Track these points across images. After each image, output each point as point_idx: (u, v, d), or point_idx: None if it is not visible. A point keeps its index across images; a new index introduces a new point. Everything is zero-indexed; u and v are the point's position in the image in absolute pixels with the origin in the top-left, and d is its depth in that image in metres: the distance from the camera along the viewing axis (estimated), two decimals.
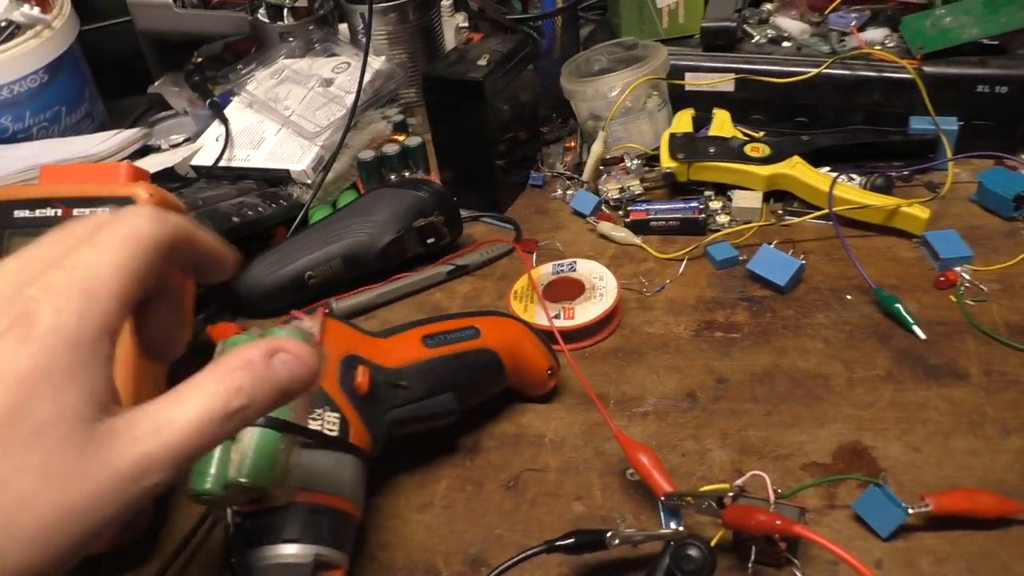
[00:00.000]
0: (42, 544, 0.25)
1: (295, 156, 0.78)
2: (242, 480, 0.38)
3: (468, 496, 0.51)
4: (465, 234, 0.76)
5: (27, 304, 0.26)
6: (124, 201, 0.51)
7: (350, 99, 0.81)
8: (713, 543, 0.43)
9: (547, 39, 0.85)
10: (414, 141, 0.79)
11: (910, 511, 0.45)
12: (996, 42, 0.75)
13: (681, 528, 0.45)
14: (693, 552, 0.40)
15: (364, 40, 0.87)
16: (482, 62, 0.72)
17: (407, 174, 0.79)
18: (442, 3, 1.00)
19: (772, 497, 0.44)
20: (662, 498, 0.46)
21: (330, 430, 0.45)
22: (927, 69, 0.75)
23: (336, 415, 0.46)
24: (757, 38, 0.83)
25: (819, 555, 0.45)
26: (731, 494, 0.44)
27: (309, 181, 0.77)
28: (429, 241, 0.71)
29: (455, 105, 0.73)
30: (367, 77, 0.83)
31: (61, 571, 0.26)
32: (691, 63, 0.82)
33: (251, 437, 0.38)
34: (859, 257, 0.66)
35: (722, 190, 0.75)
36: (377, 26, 0.87)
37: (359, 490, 0.46)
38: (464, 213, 0.77)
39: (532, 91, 0.81)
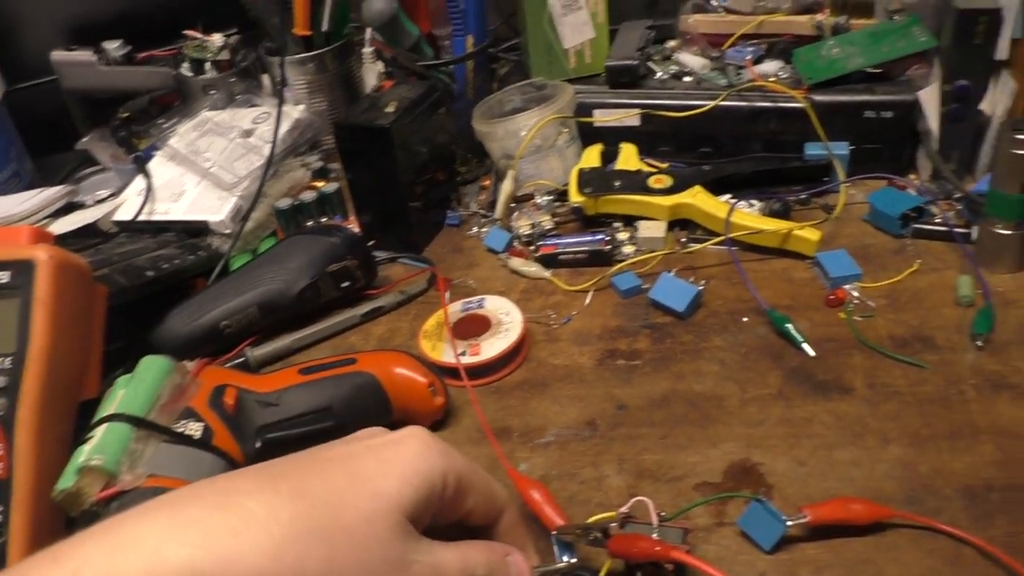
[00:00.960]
0: (320, 566, 0.31)
1: (214, 207, 0.80)
2: (92, 463, 0.45)
3: None
4: (382, 276, 0.78)
5: (407, 434, 0.37)
6: (23, 264, 0.52)
7: (269, 149, 0.83)
8: (602, 573, 0.45)
9: (459, 83, 0.88)
10: (331, 187, 0.81)
11: (789, 523, 0.47)
12: (880, 70, 0.79)
13: (574, 560, 0.47)
14: None
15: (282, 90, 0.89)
16: (390, 108, 0.74)
17: (324, 220, 0.80)
18: (364, 51, 1.03)
19: (655, 521, 0.46)
20: (554, 532, 0.48)
21: (192, 434, 0.50)
22: (817, 98, 0.79)
23: (200, 424, 0.51)
24: (660, 74, 0.86)
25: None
26: (615, 523, 0.45)
27: (228, 231, 0.79)
28: (344, 285, 0.72)
29: (366, 151, 0.75)
30: (286, 126, 0.85)
31: None
32: (598, 100, 0.86)
33: (103, 428, 0.46)
34: (757, 280, 0.69)
35: (629, 221, 0.78)
36: (296, 75, 0.89)
37: None
38: (381, 255, 0.79)
39: (447, 133, 0.84)
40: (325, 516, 0.31)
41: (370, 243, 0.80)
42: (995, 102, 0.72)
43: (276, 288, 0.70)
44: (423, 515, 0.35)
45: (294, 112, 0.88)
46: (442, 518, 0.37)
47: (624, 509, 0.47)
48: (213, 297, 0.70)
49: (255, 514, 0.30)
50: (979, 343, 0.59)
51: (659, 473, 0.53)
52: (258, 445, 0.53)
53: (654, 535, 0.44)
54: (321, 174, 0.87)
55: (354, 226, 0.81)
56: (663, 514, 0.47)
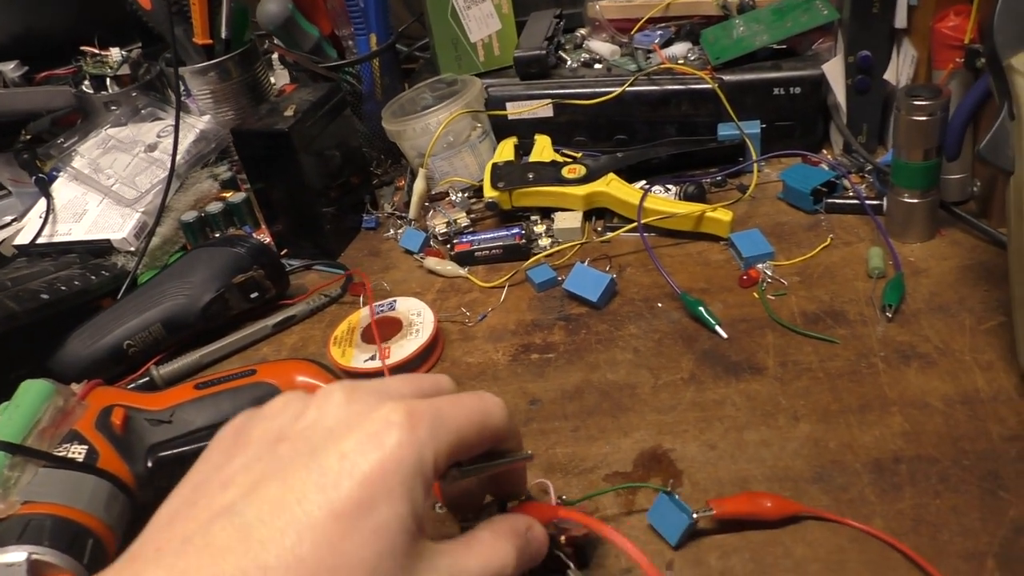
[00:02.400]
0: None
1: (116, 225, 0.77)
2: None
3: None
4: (297, 284, 0.76)
5: (387, 417, 0.32)
6: None
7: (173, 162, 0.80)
8: None
9: (366, 83, 0.86)
10: (237, 197, 0.79)
11: (695, 516, 0.45)
12: (786, 46, 0.79)
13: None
14: None
15: (187, 102, 0.87)
16: (289, 112, 0.72)
17: (231, 231, 0.78)
18: (273, 56, 1.01)
19: (555, 503, 0.44)
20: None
21: (74, 457, 0.48)
22: (726, 77, 0.78)
23: (84, 446, 0.49)
24: (570, 63, 0.85)
25: (612, 563, 0.45)
26: (513, 504, 0.44)
27: (132, 248, 0.76)
28: (253, 296, 0.70)
29: (268, 157, 0.73)
30: (191, 138, 0.83)
31: None
32: (509, 93, 0.84)
33: None
34: (673, 264, 0.68)
35: (546, 213, 0.77)
36: (199, 85, 0.87)
37: (103, 507, 0.47)
38: (295, 263, 0.77)
39: (358, 135, 0.82)
40: None
41: (282, 252, 0.78)
42: (899, 71, 0.72)
43: (180, 303, 0.68)
44: (424, 510, 0.32)
45: (198, 123, 0.85)
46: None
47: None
48: (115, 317, 0.67)
49: None
50: (888, 314, 0.58)
51: (570, 466, 0.52)
52: (149, 464, 0.51)
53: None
54: (231, 184, 0.85)
55: (265, 236, 0.79)
56: (564, 498, 0.45)
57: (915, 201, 0.64)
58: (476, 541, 0.35)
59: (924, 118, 0.60)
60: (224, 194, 0.82)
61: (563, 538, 0.43)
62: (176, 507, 0.32)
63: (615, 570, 0.45)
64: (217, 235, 0.78)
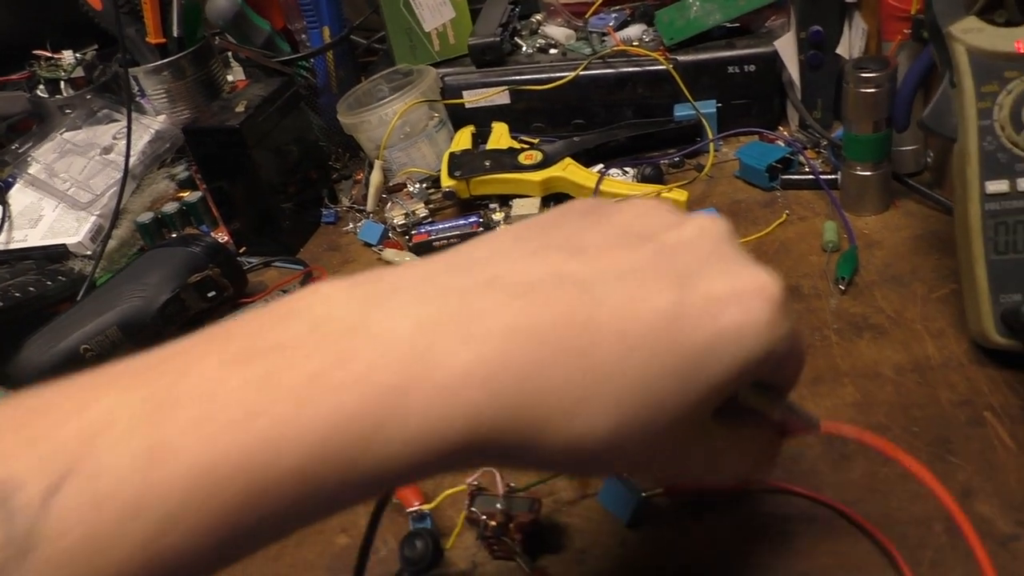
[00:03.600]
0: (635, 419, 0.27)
1: (71, 229, 0.77)
2: None
3: None
4: (256, 281, 0.75)
5: (767, 287, 0.28)
6: None
7: (130, 163, 0.79)
8: (451, 539, 0.45)
9: (321, 76, 0.85)
10: (194, 197, 0.79)
11: (643, 495, 0.45)
12: (739, 24, 0.79)
13: None
14: (418, 543, 0.43)
15: (142, 103, 0.86)
16: (240, 108, 0.72)
17: (187, 231, 0.78)
18: (229, 53, 1.00)
19: (502, 491, 0.44)
20: (409, 510, 0.46)
21: None
22: (680, 58, 0.78)
23: None
24: (525, 48, 0.85)
25: (568, 544, 0.45)
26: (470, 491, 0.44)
27: (89, 252, 0.76)
28: (211, 295, 0.69)
29: (221, 155, 0.72)
30: (146, 138, 0.82)
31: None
32: (466, 81, 0.84)
33: None
34: None
35: (505, 201, 0.77)
36: (154, 85, 0.86)
37: None
38: (254, 261, 0.77)
39: (313, 129, 0.82)
40: (645, 418, 0.27)
41: (241, 250, 0.77)
42: (850, 45, 0.72)
43: (136, 305, 0.67)
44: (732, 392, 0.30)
45: (154, 123, 0.84)
46: None
47: (472, 480, 0.45)
48: (70, 322, 0.67)
49: (572, 391, 0.26)
50: (842, 287, 0.59)
51: None
52: None
53: (498, 505, 0.43)
54: (189, 184, 0.84)
55: (223, 235, 0.78)
56: (512, 484, 0.45)
57: (868, 174, 0.64)
58: (743, 445, 0.33)
59: (872, 90, 0.60)
60: (181, 194, 0.82)
61: (512, 525, 0.43)
62: (515, 244, 0.29)
63: (569, 552, 0.45)
64: (174, 235, 0.78)
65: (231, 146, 0.71)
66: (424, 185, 0.79)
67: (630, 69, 0.80)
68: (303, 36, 0.86)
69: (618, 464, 0.29)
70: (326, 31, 0.82)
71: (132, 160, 0.79)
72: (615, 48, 0.80)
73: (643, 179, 0.74)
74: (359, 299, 0.26)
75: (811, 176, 0.70)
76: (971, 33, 0.48)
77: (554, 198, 0.76)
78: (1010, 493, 0.42)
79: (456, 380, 0.25)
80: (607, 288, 0.27)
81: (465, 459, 0.26)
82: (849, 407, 0.50)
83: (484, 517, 0.43)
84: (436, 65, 0.86)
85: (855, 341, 0.54)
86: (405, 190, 0.80)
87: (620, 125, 0.80)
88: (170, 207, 0.78)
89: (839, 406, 0.50)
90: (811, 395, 0.51)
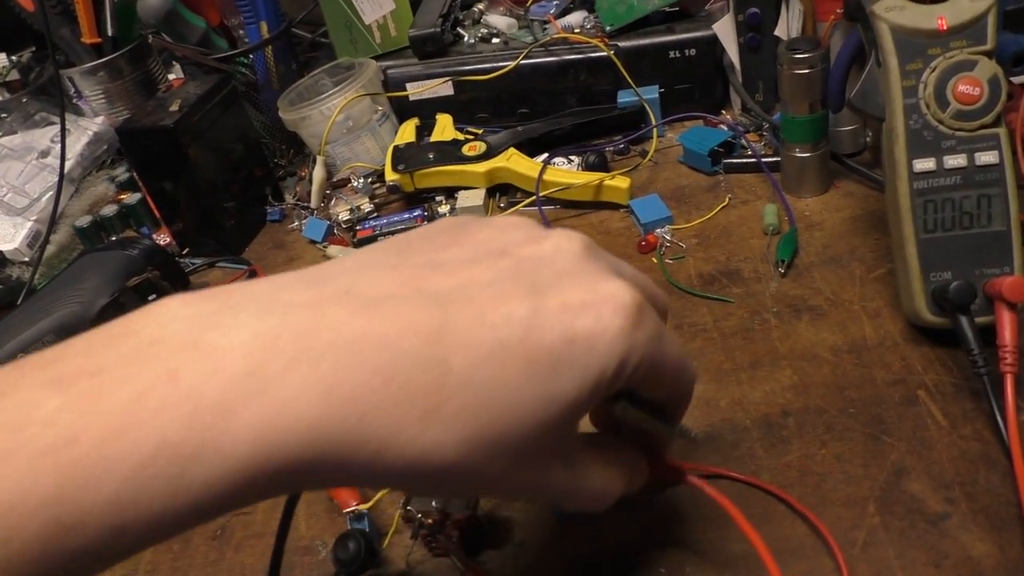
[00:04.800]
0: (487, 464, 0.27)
1: (7, 236, 0.75)
2: None
3: (174, 555, 0.50)
4: (200, 283, 0.74)
5: (619, 295, 0.29)
6: None
7: (67, 166, 0.78)
8: (387, 540, 0.45)
9: (260, 72, 0.84)
10: (133, 198, 0.77)
11: None
12: (678, 8, 0.78)
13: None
14: (351, 544, 0.42)
15: (80, 104, 0.84)
16: (174, 107, 0.70)
17: (128, 233, 0.76)
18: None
19: None
20: (346, 511, 0.46)
21: None
22: (621, 44, 0.78)
23: None
24: (467, 38, 0.84)
25: (506, 538, 0.45)
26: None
27: (27, 258, 0.74)
28: (151, 298, 0.68)
29: (157, 155, 0.71)
30: (84, 140, 0.81)
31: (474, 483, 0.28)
32: (408, 73, 0.83)
33: None
34: None
35: (451, 193, 0.76)
36: (91, 86, 0.84)
37: None
38: (198, 261, 0.76)
39: (254, 127, 0.80)
40: (485, 426, 0.26)
41: (184, 251, 0.76)
42: (788, 27, 0.72)
43: (73, 311, 0.66)
44: (591, 405, 0.29)
45: (92, 125, 0.83)
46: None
47: None
48: (4, 330, 0.65)
49: (420, 401, 0.25)
50: (781, 270, 0.59)
51: None
52: None
53: (433, 503, 0.43)
54: (129, 186, 0.82)
55: (165, 236, 0.77)
56: None
57: (806, 155, 0.64)
58: (606, 455, 0.34)
59: (805, 71, 0.60)
60: (121, 196, 0.80)
61: (448, 522, 0.43)
62: (375, 258, 0.30)
63: (508, 546, 0.45)
64: (113, 239, 0.76)
65: (166, 146, 0.70)
66: (369, 180, 0.79)
67: (572, 56, 0.79)
68: (241, 32, 0.84)
69: (473, 481, 0.28)
70: (263, 26, 0.81)
71: (70, 163, 0.77)
72: (556, 36, 0.79)
73: (587, 167, 0.74)
74: (197, 315, 0.25)
75: (753, 159, 0.70)
76: (894, 11, 0.48)
77: (500, 189, 0.76)
78: (941, 471, 0.43)
79: (289, 396, 0.24)
80: (462, 301, 0.27)
81: (301, 479, 0.25)
82: (787, 390, 0.50)
83: (420, 516, 0.43)
84: (378, 58, 0.85)
85: (794, 324, 0.54)
86: (349, 185, 0.79)
87: (564, 113, 0.80)
88: (109, 210, 0.76)
89: (777, 389, 0.50)
90: (749, 379, 0.51)
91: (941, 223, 0.48)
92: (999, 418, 0.43)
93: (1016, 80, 0.58)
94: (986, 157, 0.47)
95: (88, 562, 0.23)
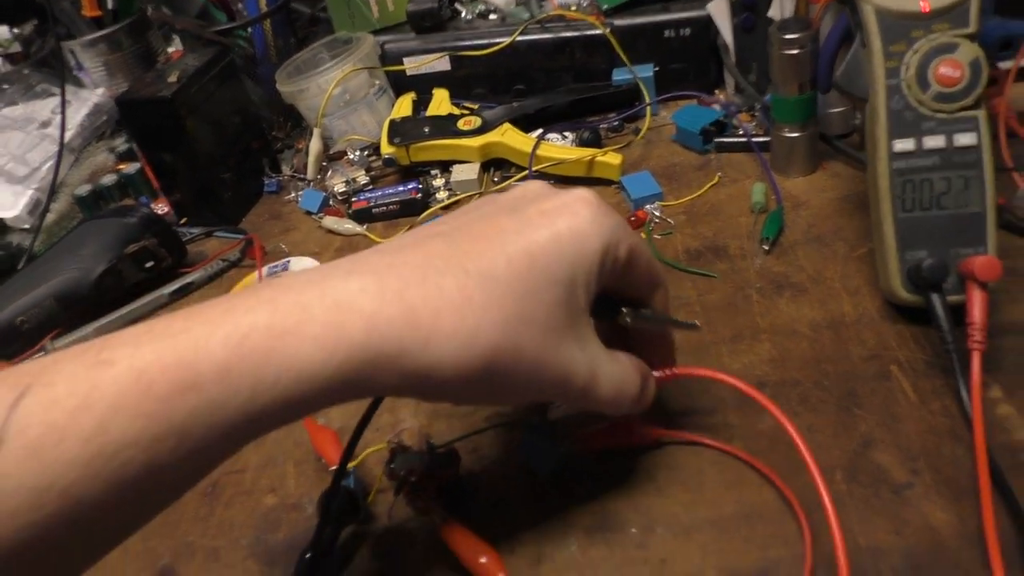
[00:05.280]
0: (510, 357, 0.32)
1: (8, 203, 0.76)
2: None
3: (167, 510, 0.51)
4: (197, 251, 0.75)
5: (584, 196, 0.36)
6: None
7: (67, 136, 0.79)
8: (371, 496, 0.47)
9: (259, 46, 0.85)
10: (132, 168, 0.78)
11: (561, 450, 0.46)
12: None
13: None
14: (337, 493, 0.43)
15: (81, 76, 0.85)
16: (172, 79, 0.71)
17: (125, 202, 0.77)
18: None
19: (425, 446, 0.45)
20: (332, 468, 0.47)
21: None
22: (617, 23, 0.78)
23: None
24: (465, 14, 0.85)
25: (487, 497, 0.46)
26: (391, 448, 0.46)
27: (27, 226, 0.75)
28: (148, 265, 0.70)
29: (156, 126, 0.72)
30: (84, 111, 0.82)
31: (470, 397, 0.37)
32: (406, 48, 0.84)
33: None
34: None
35: (447, 167, 0.77)
36: (91, 58, 0.85)
37: None
38: (195, 231, 0.77)
39: (252, 99, 0.81)
40: (512, 308, 0.32)
41: (182, 221, 0.77)
42: (782, 8, 0.72)
43: (72, 277, 0.67)
44: (592, 293, 0.35)
45: (93, 96, 0.84)
46: (604, 289, 0.37)
47: (393, 438, 0.46)
48: (4, 295, 0.67)
49: (451, 296, 0.31)
50: (766, 247, 0.60)
51: (452, 410, 0.53)
52: None
53: (417, 461, 0.44)
54: (129, 156, 0.84)
55: (164, 206, 0.78)
56: (432, 441, 0.46)
57: (796, 135, 0.65)
58: (617, 354, 0.38)
59: (795, 52, 0.61)
60: (120, 166, 0.81)
61: (431, 480, 0.44)
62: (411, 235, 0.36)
63: (487, 504, 0.46)
64: (112, 207, 0.77)
65: (164, 117, 0.71)
66: (365, 153, 0.80)
67: (568, 34, 0.80)
68: (240, 5, 0.85)
69: (508, 363, 0.32)
70: (262, 0, 0.82)
71: (70, 133, 0.78)
72: (553, 12, 0.80)
73: (581, 143, 0.75)
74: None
75: (744, 139, 0.71)
76: None
77: (494, 163, 0.77)
78: (908, 443, 0.44)
79: (347, 297, 0.30)
80: (467, 232, 0.34)
81: (368, 373, 0.30)
82: (765, 363, 0.51)
83: (403, 473, 0.44)
84: (376, 32, 0.85)
85: (775, 299, 0.56)
86: (346, 158, 0.80)
87: (560, 90, 0.81)
88: (108, 179, 0.78)
89: (755, 362, 0.51)
90: (729, 352, 0.52)
91: (919, 203, 0.49)
92: (964, 393, 0.44)
93: (1003, 65, 0.59)
94: (965, 139, 0.48)
95: (203, 426, 0.29)
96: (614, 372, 0.37)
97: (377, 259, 0.33)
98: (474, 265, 0.32)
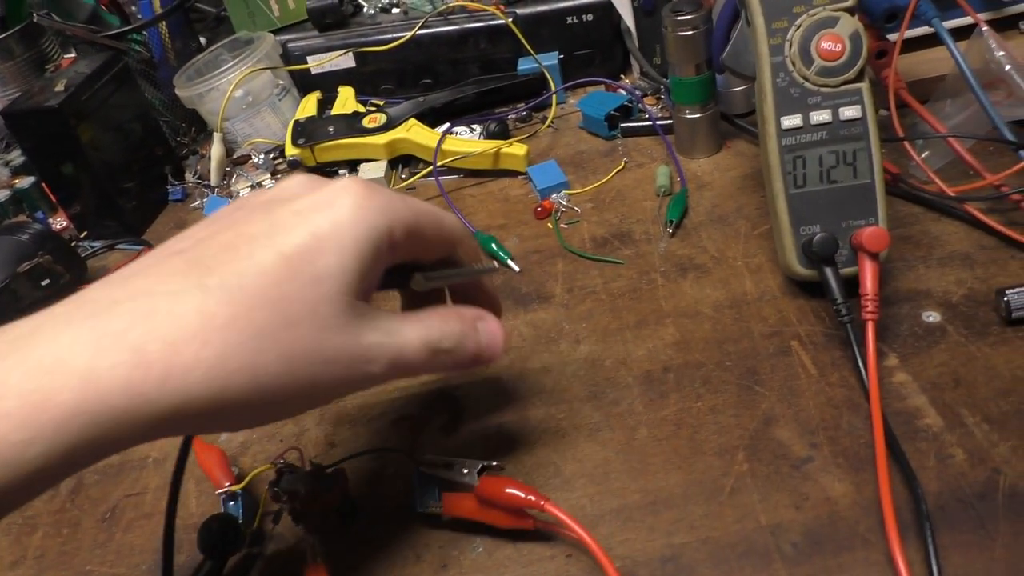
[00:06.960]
0: (277, 367, 0.29)
1: None
2: None
3: (63, 540, 0.49)
4: (99, 265, 0.73)
5: (344, 186, 0.32)
6: None
7: None
8: (256, 521, 0.45)
9: (156, 49, 0.82)
10: (26, 183, 0.75)
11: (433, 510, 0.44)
12: None
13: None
14: (213, 526, 0.42)
15: None
16: (59, 87, 0.69)
17: (19, 219, 0.74)
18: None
19: (308, 466, 0.44)
20: (219, 492, 0.46)
21: None
22: (518, 11, 0.78)
23: None
24: (367, 9, 0.83)
25: (388, 505, 0.45)
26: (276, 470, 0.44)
27: None
28: (44, 283, 0.67)
29: (47, 137, 0.69)
30: None
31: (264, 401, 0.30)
32: (308, 46, 0.82)
33: None
34: (475, 203, 0.68)
35: (354, 166, 0.76)
36: None
37: None
38: (97, 244, 0.74)
39: (151, 105, 0.79)
40: (266, 316, 0.29)
41: (82, 234, 0.75)
42: None
43: None
44: (371, 281, 0.33)
45: None
46: (394, 263, 0.35)
47: (278, 459, 0.45)
48: None
49: (187, 322, 0.28)
50: (670, 230, 0.60)
51: (359, 417, 0.52)
52: None
53: (300, 484, 0.43)
54: (26, 170, 0.80)
55: (62, 220, 0.76)
56: (315, 462, 0.45)
57: (696, 116, 0.65)
58: (415, 316, 0.35)
59: (689, 32, 0.61)
60: (15, 180, 0.78)
61: (316, 501, 0.43)
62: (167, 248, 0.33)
63: (386, 513, 0.45)
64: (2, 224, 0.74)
65: (54, 127, 0.68)
66: (270, 155, 0.78)
67: (472, 25, 0.79)
68: (133, 8, 0.82)
69: (284, 379, 0.30)
70: (156, 1, 0.79)
71: None
72: (454, 4, 0.79)
73: (489, 135, 0.74)
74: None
75: (649, 123, 0.71)
76: None
77: (402, 160, 0.75)
78: (807, 418, 0.44)
79: (54, 355, 0.27)
80: (205, 249, 0.31)
81: (88, 433, 0.27)
82: (669, 347, 0.51)
83: (286, 497, 0.43)
84: (278, 31, 0.84)
85: (679, 282, 0.56)
86: (250, 162, 0.78)
87: (467, 82, 0.80)
88: (2, 195, 0.74)
89: (660, 346, 0.51)
90: (634, 338, 0.52)
91: (809, 178, 0.49)
92: (860, 363, 0.44)
93: (891, 37, 0.60)
94: (849, 112, 0.48)
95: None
96: (418, 334, 0.34)
97: (101, 295, 0.29)
98: (216, 279, 0.29)
